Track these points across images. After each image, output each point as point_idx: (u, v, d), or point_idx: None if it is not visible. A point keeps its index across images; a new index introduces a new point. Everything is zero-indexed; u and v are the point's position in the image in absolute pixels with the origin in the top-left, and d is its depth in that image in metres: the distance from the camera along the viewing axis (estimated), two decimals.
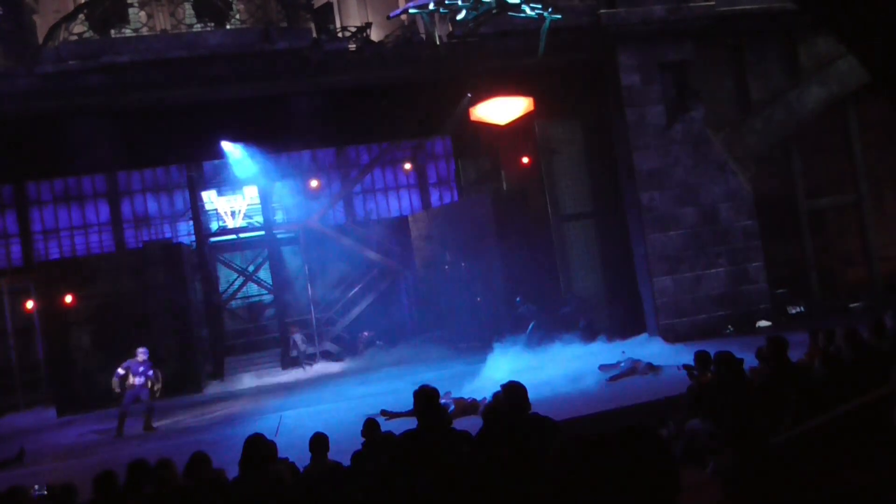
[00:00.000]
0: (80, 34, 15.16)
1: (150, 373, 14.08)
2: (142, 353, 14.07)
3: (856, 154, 18.67)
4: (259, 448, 5.13)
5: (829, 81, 17.60)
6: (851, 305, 17.00)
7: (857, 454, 5.11)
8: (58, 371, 18.05)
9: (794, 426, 5.84)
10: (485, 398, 11.11)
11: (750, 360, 8.45)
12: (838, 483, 4.87)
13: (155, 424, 14.31)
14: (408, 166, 25.11)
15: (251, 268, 24.50)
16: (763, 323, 16.28)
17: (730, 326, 16.24)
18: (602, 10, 16.31)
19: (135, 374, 13.94)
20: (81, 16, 15.38)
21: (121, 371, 13.97)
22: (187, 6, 16.45)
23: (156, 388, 14.12)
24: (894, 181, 19.00)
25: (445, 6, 12.75)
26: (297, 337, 21.51)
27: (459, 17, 12.81)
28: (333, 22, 21.08)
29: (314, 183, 23.71)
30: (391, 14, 15.20)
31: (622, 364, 13.47)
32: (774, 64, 17.75)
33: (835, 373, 6.85)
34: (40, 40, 16.19)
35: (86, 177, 22.84)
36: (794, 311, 17.26)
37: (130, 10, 16.35)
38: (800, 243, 18.36)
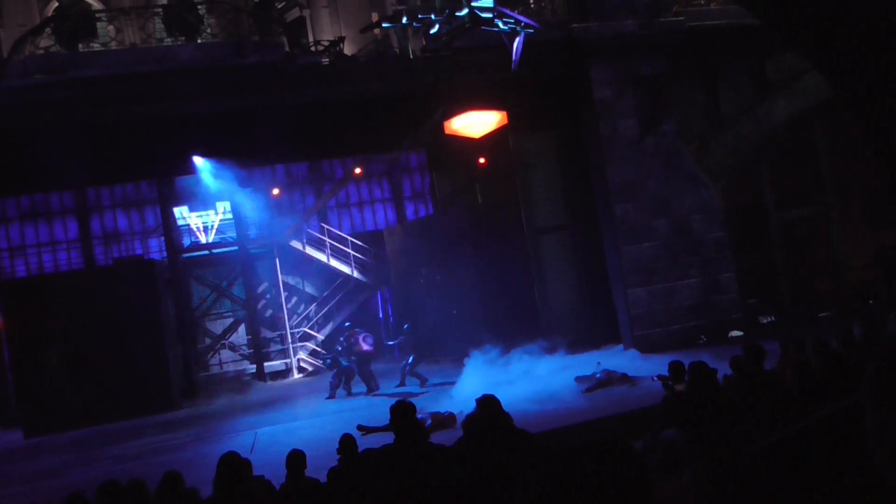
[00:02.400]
0: (46, 48, 14.96)
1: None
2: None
3: (823, 166, 19.07)
4: (233, 466, 5.05)
5: (797, 95, 17.97)
6: (821, 315, 17.27)
7: (829, 463, 5.17)
8: (25, 391, 17.65)
9: (767, 435, 5.89)
10: (462, 411, 11.08)
11: (724, 370, 8.53)
12: (811, 491, 4.92)
13: (125, 445, 14.17)
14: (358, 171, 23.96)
15: (224, 283, 24.26)
16: (735, 333, 16.47)
17: (703, 337, 16.40)
18: (574, 25, 16.51)
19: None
20: (48, 29, 15.18)
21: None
22: (157, 20, 16.32)
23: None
24: (860, 192, 19.40)
25: (418, 20, 12.82)
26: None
27: (433, 31, 12.88)
28: (306, 36, 21.07)
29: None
30: (364, 28, 15.26)
31: (597, 375, 13.51)
32: (744, 78, 18.10)
33: (806, 382, 6.93)
34: (5, 54, 15.95)
35: (53, 193, 22.46)
36: (765, 321, 17.50)
37: (99, 24, 16.18)
38: (770, 254, 18.67)
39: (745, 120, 17.97)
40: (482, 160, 19.78)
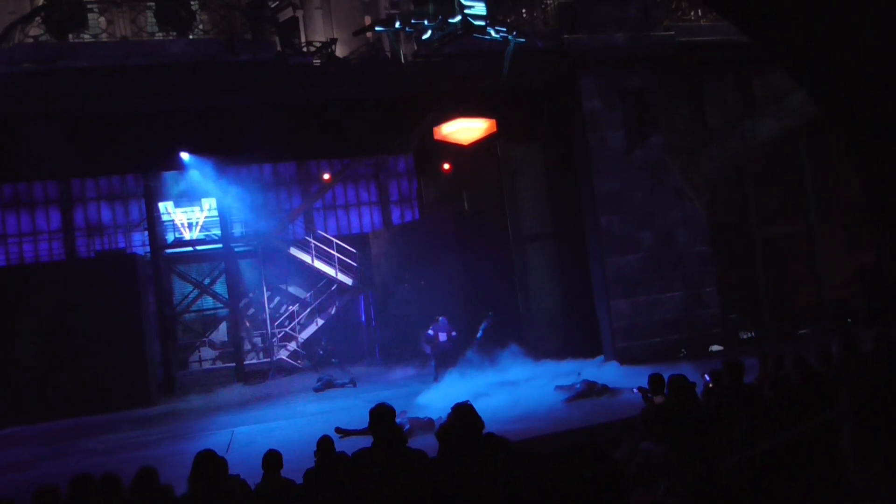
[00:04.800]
0: (36, 37, 14.84)
1: (454, 333, 16.32)
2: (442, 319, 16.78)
3: (806, 184, 19.26)
4: (209, 464, 5.02)
5: (782, 113, 18.16)
6: (800, 332, 17.41)
7: (805, 478, 5.22)
8: (0, 382, 17.42)
9: (744, 449, 5.94)
10: (440, 417, 11.07)
11: (703, 384, 8.60)
12: None
13: (100, 440, 14.03)
14: (326, 177, 24.15)
15: (207, 281, 24.11)
16: (715, 347, 16.57)
17: (683, 350, 16.48)
18: (565, 36, 16.60)
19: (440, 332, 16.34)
20: (38, 18, 15.06)
21: (430, 332, 16.47)
22: (149, 14, 16.25)
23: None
24: (842, 212, 19.61)
25: (411, 25, 12.84)
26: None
27: (425, 36, 12.89)
28: (298, 36, 20.99)
29: (326, 176, 23.44)
30: (356, 31, 15.26)
31: (578, 386, 13.56)
32: (731, 94, 18.26)
33: (783, 398, 7.00)
34: None
35: (37, 182, 22.25)
36: (745, 336, 17.61)
37: (90, 16, 16.07)
38: (752, 270, 18.81)
39: (731, 136, 18.13)
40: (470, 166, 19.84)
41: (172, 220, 22.90)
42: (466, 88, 16.53)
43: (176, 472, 6.57)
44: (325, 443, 6.86)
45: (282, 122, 16.56)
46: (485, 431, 5.17)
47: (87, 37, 15.41)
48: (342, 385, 17.89)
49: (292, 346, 22.66)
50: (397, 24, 13.04)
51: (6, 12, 17.70)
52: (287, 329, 22.77)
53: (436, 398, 13.45)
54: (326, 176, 23.73)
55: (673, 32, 17.19)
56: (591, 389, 13.32)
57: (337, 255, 23.01)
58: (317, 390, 17.76)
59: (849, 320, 17.22)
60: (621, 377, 14.11)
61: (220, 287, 23.73)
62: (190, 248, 22.87)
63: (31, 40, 14.75)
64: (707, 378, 8.80)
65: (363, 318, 24.13)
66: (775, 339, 16.57)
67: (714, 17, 17.20)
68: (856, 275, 18.75)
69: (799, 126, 18.17)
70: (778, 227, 19.25)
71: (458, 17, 12.35)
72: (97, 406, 16.85)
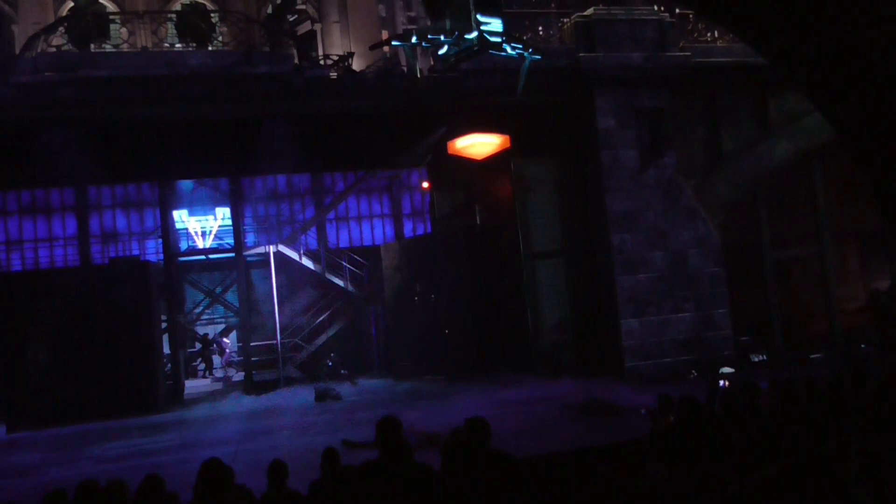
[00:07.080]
0: (58, 46, 15.08)
1: None
2: None
3: (820, 208, 19.16)
4: (215, 473, 5.04)
5: (797, 136, 18.12)
6: (812, 356, 17.28)
7: (810, 500, 5.18)
8: (10, 386, 17.54)
9: (753, 471, 5.89)
10: (447, 431, 11.02)
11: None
12: None
13: (107, 446, 14.10)
14: (426, 185, 23.53)
15: (219, 289, 24.22)
16: (726, 369, 16.46)
17: (693, 371, 16.40)
18: (581, 54, 16.68)
19: None
20: (61, 28, 15.32)
21: None
22: (170, 25, 16.50)
23: None
24: (856, 236, 19.48)
25: (428, 41, 12.92)
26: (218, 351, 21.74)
27: (441, 52, 12.97)
28: (316, 49, 21.26)
29: (425, 184, 23.15)
30: (373, 45, 15.38)
31: (586, 404, 13.49)
32: (746, 116, 18.25)
33: (794, 422, 6.95)
34: (17, 50, 16.06)
35: (54, 189, 22.52)
36: (756, 359, 17.48)
37: (112, 27, 16.35)
38: (764, 292, 18.69)
39: (746, 157, 18.09)
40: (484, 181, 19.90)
41: (186, 229, 23.08)
42: (481, 104, 16.61)
43: (182, 480, 6.58)
44: (331, 454, 6.86)
45: (297, 133, 16.70)
46: (490, 448, 5.17)
47: (108, 47, 15.66)
48: (335, 397, 17.72)
49: (301, 356, 22.67)
50: (414, 40, 13.11)
51: (31, 22, 18.03)
52: (297, 340, 22.80)
53: (424, 417, 13.32)
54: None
55: (689, 53, 17.24)
56: (598, 408, 13.24)
57: (348, 266, 23.06)
58: (317, 399, 17.72)
59: (862, 346, 17.07)
60: (630, 397, 14.02)
61: (231, 296, 23.84)
62: (203, 257, 23.01)
63: (53, 50, 14.99)
64: (722, 383, 8.78)
65: (373, 331, 24.13)
66: (787, 363, 16.44)
67: (730, 39, 17.26)
68: (869, 300, 18.60)
69: (813, 149, 18.12)
70: (791, 249, 19.14)
71: (475, 34, 12.41)
72: (106, 412, 16.92)
